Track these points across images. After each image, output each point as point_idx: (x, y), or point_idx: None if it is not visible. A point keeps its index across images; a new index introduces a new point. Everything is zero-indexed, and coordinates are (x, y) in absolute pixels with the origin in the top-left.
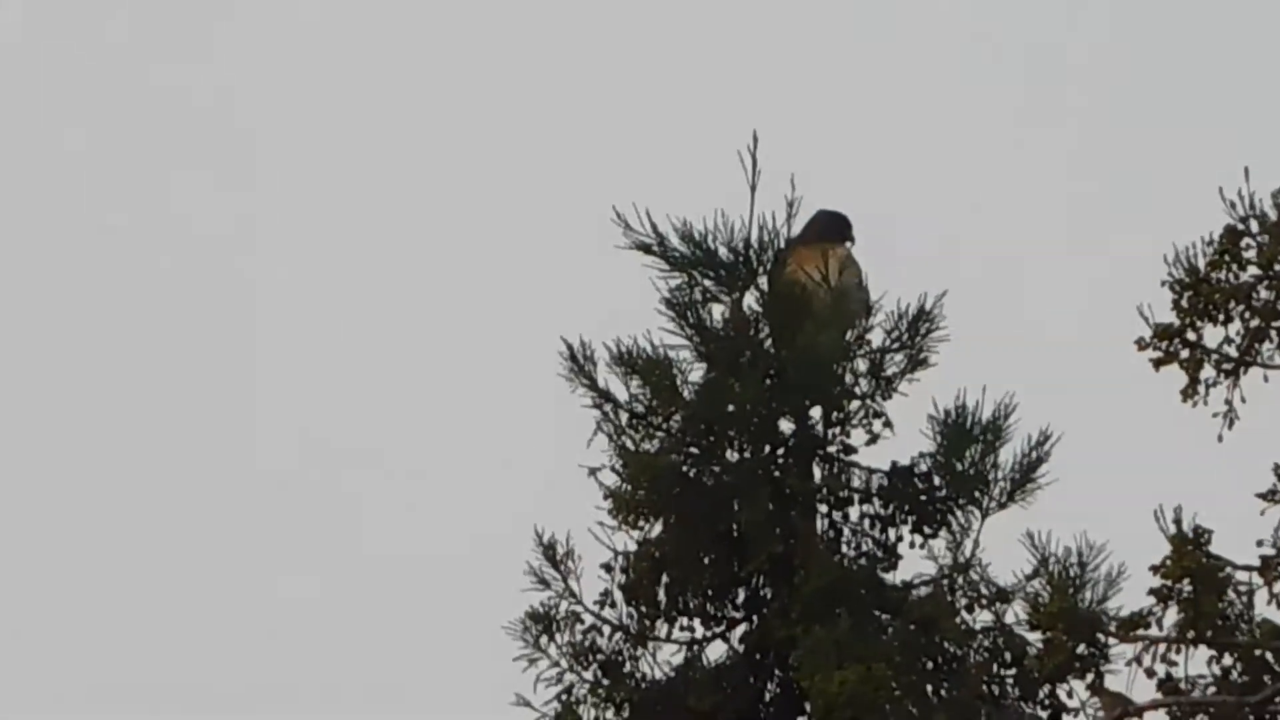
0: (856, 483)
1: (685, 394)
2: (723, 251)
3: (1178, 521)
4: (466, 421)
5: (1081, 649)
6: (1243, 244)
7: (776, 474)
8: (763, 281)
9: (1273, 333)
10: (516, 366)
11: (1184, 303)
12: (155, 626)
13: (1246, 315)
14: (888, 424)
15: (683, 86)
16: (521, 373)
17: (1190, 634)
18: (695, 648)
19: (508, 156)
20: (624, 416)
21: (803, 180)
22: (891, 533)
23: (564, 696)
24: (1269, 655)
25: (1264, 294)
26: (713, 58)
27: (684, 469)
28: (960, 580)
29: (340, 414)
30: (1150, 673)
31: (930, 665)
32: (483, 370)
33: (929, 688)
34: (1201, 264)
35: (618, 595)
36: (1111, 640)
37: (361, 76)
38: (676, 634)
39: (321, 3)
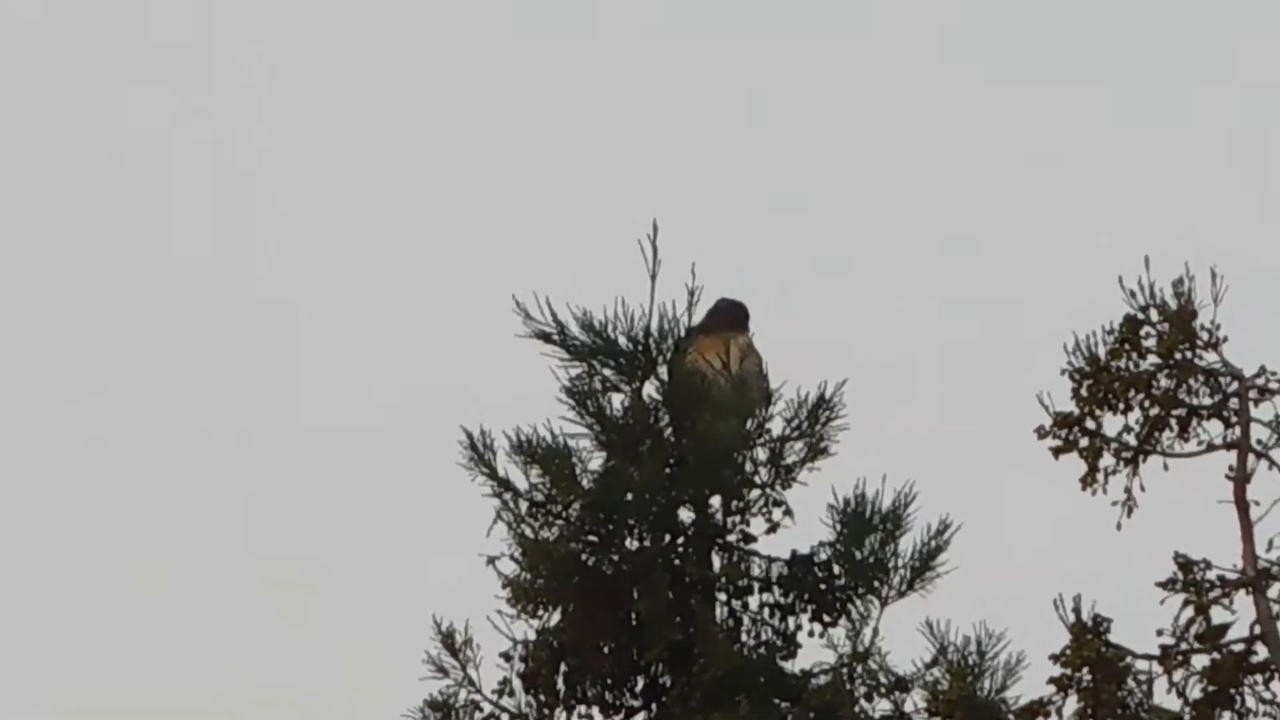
0: (756, 571)
1: (585, 482)
2: (623, 340)
3: (1077, 610)
4: (368, 511)
5: None
6: (1143, 332)
7: (676, 562)
8: (663, 370)
9: (1173, 421)
10: (417, 453)
11: (1084, 391)
12: None
13: (1146, 404)
14: (788, 512)
15: (583, 173)
16: (423, 459)
17: None
18: None
19: (411, 241)
20: (523, 505)
21: (703, 267)
22: (791, 621)
23: None
24: None
25: (1164, 382)
26: (613, 145)
27: (583, 557)
28: (859, 669)
29: None
30: None
31: None
32: (386, 459)
33: None
34: (1101, 352)
35: (517, 684)
36: None
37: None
38: None
39: None
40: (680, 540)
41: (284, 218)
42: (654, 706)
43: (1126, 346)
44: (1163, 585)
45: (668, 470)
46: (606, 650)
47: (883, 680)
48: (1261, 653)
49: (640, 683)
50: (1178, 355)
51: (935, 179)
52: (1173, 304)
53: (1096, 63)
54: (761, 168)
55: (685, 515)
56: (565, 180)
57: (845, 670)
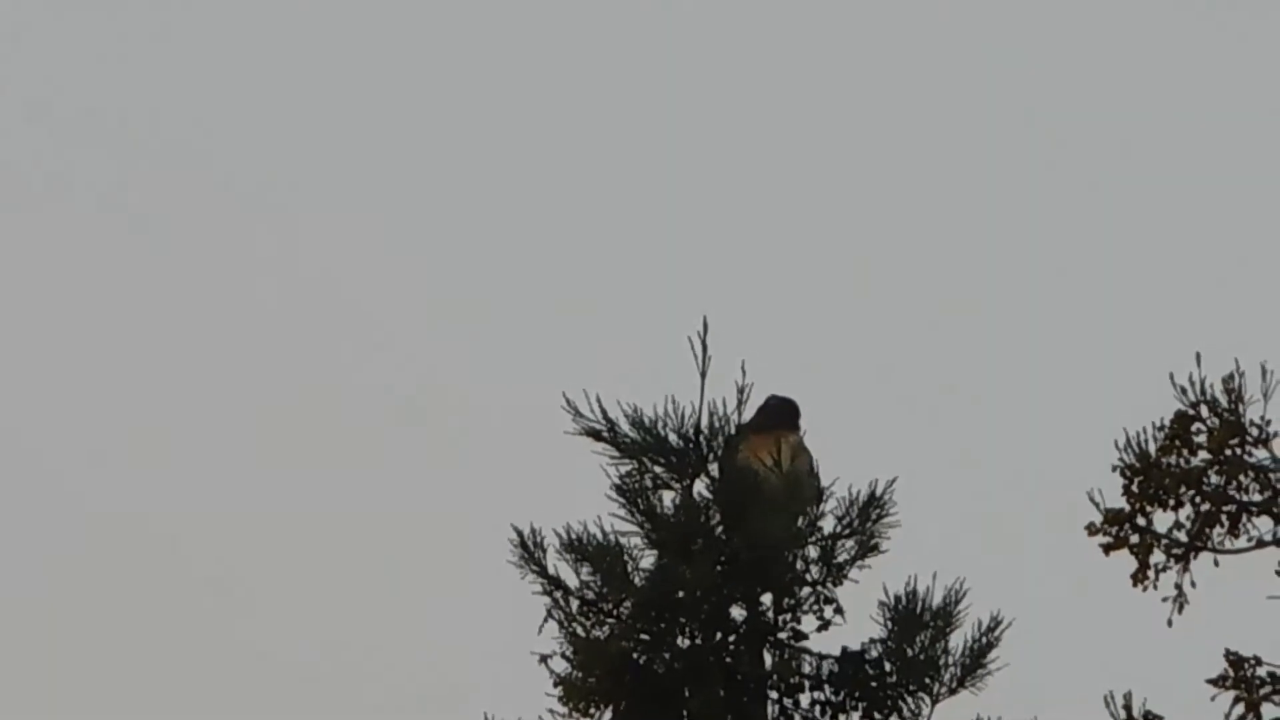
0: (807, 669)
1: (636, 580)
2: (673, 438)
3: (1127, 707)
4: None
5: None
6: (1193, 429)
7: (728, 660)
8: (713, 468)
9: (1223, 517)
10: (468, 554)
11: (1134, 488)
12: None
13: (1197, 500)
14: (839, 610)
15: (633, 272)
16: (474, 561)
17: None
18: None
19: (453, 339)
20: (574, 603)
21: (753, 364)
22: (842, 719)
23: None
24: None
25: (1214, 479)
26: (661, 242)
27: (635, 656)
28: None
29: None
30: None
31: None
32: (437, 560)
33: None
34: (1152, 449)
35: None
36: None
37: None
38: None
39: None
40: (732, 638)
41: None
42: None
43: (1177, 443)
44: (1213, 682)
45: (719, 568)
46: None
47: None
48: None
49: None
50: (1228, 451)
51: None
52: (1223, 400)
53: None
54: (811, 260)
55: (737, 613)
56: (616, 276)
57: None
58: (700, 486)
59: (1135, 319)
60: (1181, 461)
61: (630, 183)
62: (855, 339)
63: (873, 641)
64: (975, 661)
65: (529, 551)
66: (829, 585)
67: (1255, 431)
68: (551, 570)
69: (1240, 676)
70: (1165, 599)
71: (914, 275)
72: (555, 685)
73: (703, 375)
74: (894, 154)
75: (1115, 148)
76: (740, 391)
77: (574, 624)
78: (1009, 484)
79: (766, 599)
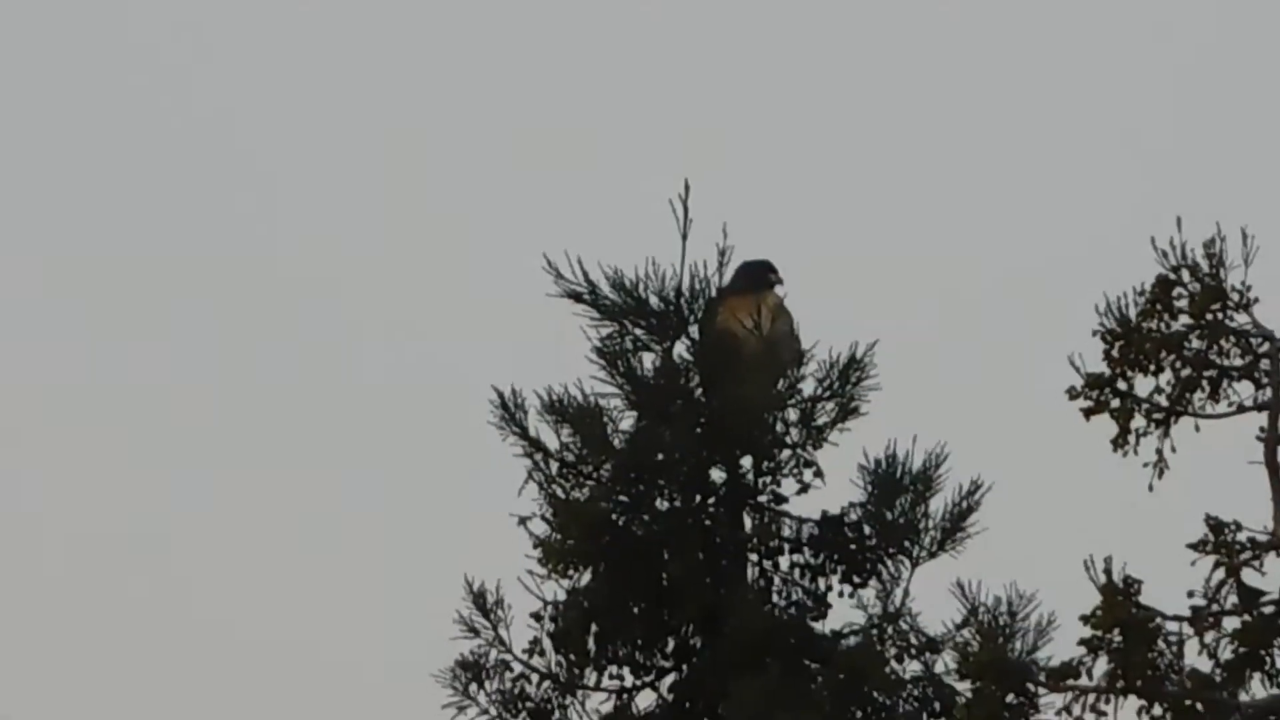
0: (787, 532)
1: (616, 443)
2: (654, 300)
3: (1108, 572)
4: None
5: (1011, 699)
6: (1174, 293)
7: (707, 523)
8: (694, 330)
9: (1204, 382)
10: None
11: (1115, 352)
12: None
13: (1178, 365)
14: (818, 473)
15: (616, 131)
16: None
17: (1120, 684)
18: (624, 697)
19: (444, 200)
20: (554, 465)
21: (734, 226)
22: (821, 582)
23: None
24: (1198, 705)
25: (1195, 344)
26: (647, 104)
27: (614, 518)
28: (890, 630)
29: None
30: None
31: (860, 715)
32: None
33: None
34: (1133, 314)
35: (547, 644)
36: (1041, 690)
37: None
38: (606, 683)
39: None
40: (711, 501)
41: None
42: (684, 667)
43: (1158, 308)
44: (1193, 547)
45: (699, 431)
46: (637, 611)
47: (913, 641)
48: None
49: (671, 644)
50: (1209, 316)
51: (969, 135)
52: (1204, 265)
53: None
54: (794, 120)
55: (716, 476)
56: (597, 138)
57: (876, 631)
58: (680, 349)
59: (1115, 179)
60: (1162, 326)
61: (613, 35)
62: (839, 196)
63: (852, 505)
64: (955, 525)
65: (510, 413)
66: (809, 448)
67: (1236, 296)
68: (532, 432)
69: (1220, 541)
70: (1146, 464)
71: (893, 136)
72: (535, 547)
73: (684, 237)
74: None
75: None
76: (721, 254)
77: (554, 486)
78: (990, 346)
79: (746, 462)
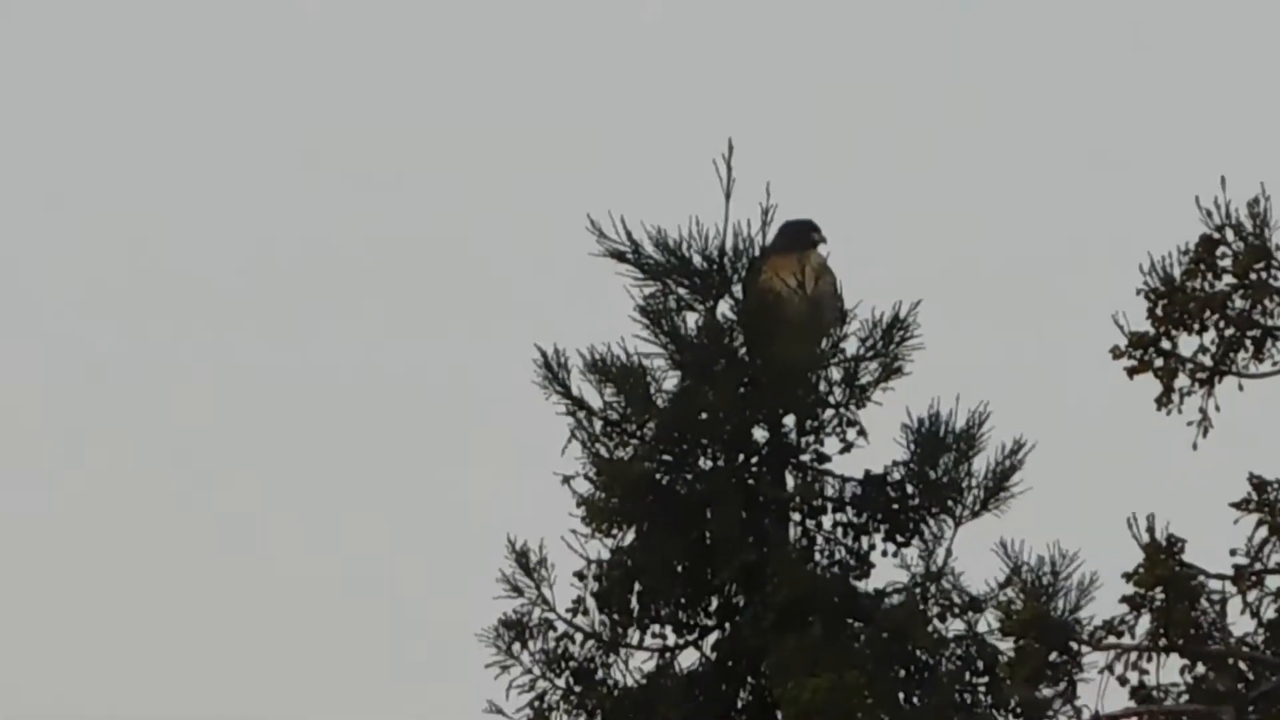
0: (830, 491)
1: (659, 402)
2: (697, 259)
3: (1150, 530)
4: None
5: (1054, 657)
6: (1218, 253)
7: (750, 482)
8: (737, 290)
9: (1247, 341)
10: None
11: (1159, 311)
12: None
13: (1221, 324)
14: (861, 432)
15: (659, 92)
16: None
17: (1162, 642)
18: (667, 655)
19: (487, 162)
20: (598, 425)
21: (778, 188)
22: (864, 541)
23: (536, 703)
24: (1242, 664)
25: (1239, 303)
26: (690, 64)
27: (657, 477)
28: (933, 589)
29: None
30: (1123, 681)
31: (902, 673)
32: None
33: (901, 696)
34: (1177, 273)
35: (590, 603)
36: (1084, 648)
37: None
38: (649, 642)
39: None
40: (754, 460)
41: None
42: (727, 626)
43: (1202, 267)
44: (1237, 505)
45: (742, 390)
46: (680, 570)
47: (956, 600)
48: None
49: (714, 602)
50: (1253, 275)
51: (1011, 91)
52: (1248, 224)
53: None
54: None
55: (759, 435)
56: (641, 98)
57: (918, 590)
58: (724, 308)
59: (1160, 140)
60: (1206, 285)
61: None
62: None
63: (895, 464)
64: (998, 484)
65: (553, 372)
66: (852, 407)
67: None
68: (575, 391)
69: (1263, 500)
70: (1189, 423)
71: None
72: (578, 505)
73: (727, 196)
74: None
75: None
76: (764, 213)
77: (597, 445)
78: (1034, 305)
79: (789, 421)
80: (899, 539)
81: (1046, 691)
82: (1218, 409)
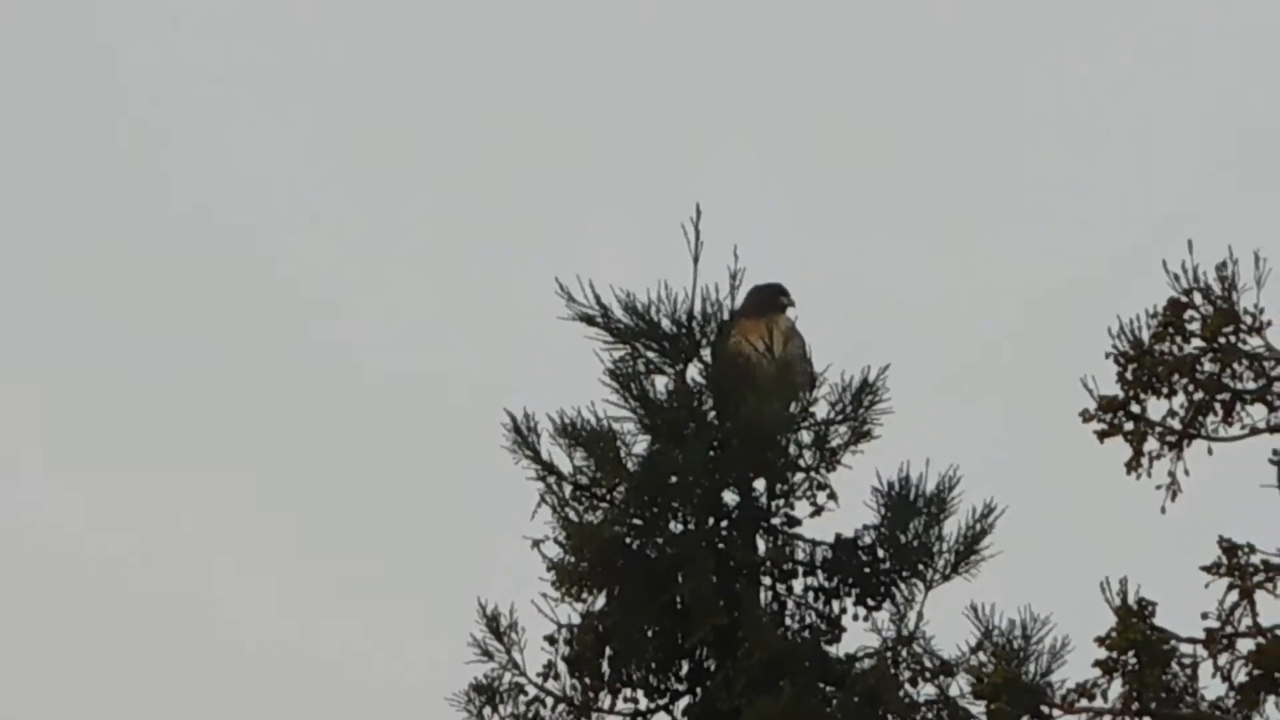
0: (800, 555)
1: (629, 466)
2: (666, 323)
3: (1122, 593)
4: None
5: None
6: (1186, 316)
7: (720, 546)
8: (706, 353)
9: (1217, 405)
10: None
11: (1128, 375)
12: None
13: (1190, 388)
14: (832, 496)
15: (644, 126)
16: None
17: (1134, 706)
18: None
19: (456, 223)
20: (568, 488)
21: (745, 250)
22: (835, 605)
23: None
24: None
25: (1208, 366)
26: (673, 99)
27: (628, 541)
28: (904, 653)
29: None
30: None
31: None
32: (424, 442)
33: None
34: (1145, 336)
35: (561, 667)
36: (1055, 712)
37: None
38: (620, 706)
39: None
40: (724, 524)
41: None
42: (698, 690)
43: (1170, 330)
44: (1207, 569)
45: (712, 453)
46: (651, 634)
47: (927, 664)
48: None
49: (685, 666)
50: (1222, 339)
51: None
52: (1216, 288)
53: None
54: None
55: (729, 498)
56: (607, 164)
57: (890, 654)
58: (693, 371)
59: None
60: (1175, 349)
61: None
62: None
63: (866, 528)
64: (969, 548)
65: (522, 437)
66: (822, 471)
67: (1249, 319)
68: (545, 455)
69: (1234, 564)
70: (1159, 486)
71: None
72: (548, 570)
73: (695, 260)
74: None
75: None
76: (733, 276)
77: (567, 509)
78: (1004, 371)
79: (759, 484)
80: (870, 603)
81: None
82: (1187, 473)
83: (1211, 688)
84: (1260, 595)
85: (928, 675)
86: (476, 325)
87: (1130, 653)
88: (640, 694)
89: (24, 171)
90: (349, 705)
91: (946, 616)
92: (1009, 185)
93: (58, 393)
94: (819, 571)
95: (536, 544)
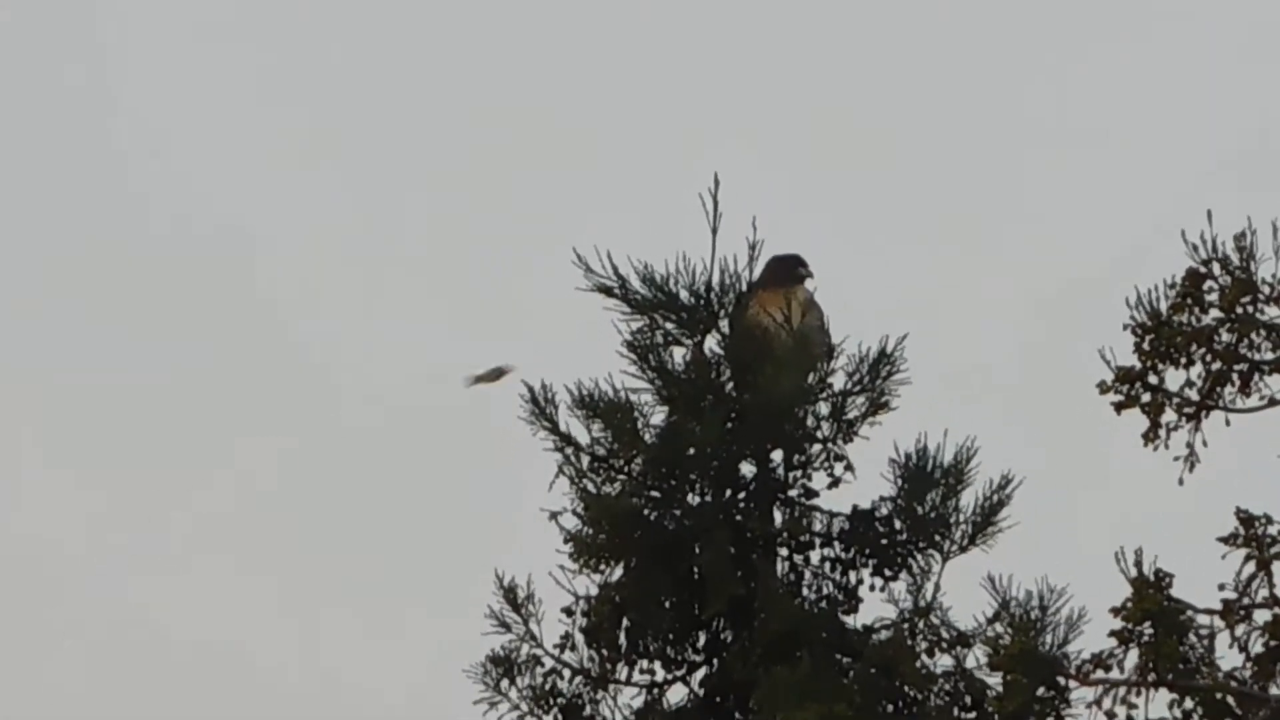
0: (817, 526)
1: (646, 437)
2: (684, 294)
3: (1139, 564)
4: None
5: (1042, 691)
6: (1205, 287)
7: (737, 517)
8: (724, 325)
9: (1234, 376)
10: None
11: (1145, 346)
12: None
13: (1208, 359)
14: (849, 467)
15: (645, 126)
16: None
17: (1151, 677)
18: (656, 691)
19: (465, 192)
20: (585, 460)
21: (764, 223)
22: (852, 576)
23: None
24: (1230, 699)
25: (1225, 337)
26: (674, 99)
27: (645, 512)
28: (921, 624)
29: None
30: (1111, 715)
31: (891, 708)
32: (442, 411)
33: None
34: (1163, 307)
35: (578, 639)
36: (1072, 683)
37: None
38: (637, 677)
39: None
40: (741, 495)
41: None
42: (715, 661)
43: (1189, 301)
44: (1224, 540)
45: (729, 425)
46: (668, 605)
47: (944, 635)
48: None
49: (702, 638)
50: (1240, 310)
51: (996, 128)
52: (1234, 258)
53: None
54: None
55: (747, 470)
56: (607, 164)
57: (907, 625)
58: (711, 343)
59: (1144, 173)
60: (1193, 319)
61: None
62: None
63: (883, 499)
64: (986, 519)
65: (540, 408)
66: (839, 442)
67: (1267, 289)
68: (563, 427)
69: (1251, 535)
70: (1176, 458)
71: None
72: (565, 542)
73: (714, 231)
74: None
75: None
76: (751, 248)
77: (584, 480)
78: (1019, 339)
79: (777, 456)
80: (887, 574)
81: None
82: (1205, 444)
83: (1228, 658)
84: (1277, 566)
85: (944, 646)
86: (476, 325)
87: (1146, 624)
88: (657, 665)
89: (24, 171)
90: (349, 707)
91: (963, 588)
92: (1009, 185)
93: (58, 393)
94: (836, 543)
95: (554, 515)
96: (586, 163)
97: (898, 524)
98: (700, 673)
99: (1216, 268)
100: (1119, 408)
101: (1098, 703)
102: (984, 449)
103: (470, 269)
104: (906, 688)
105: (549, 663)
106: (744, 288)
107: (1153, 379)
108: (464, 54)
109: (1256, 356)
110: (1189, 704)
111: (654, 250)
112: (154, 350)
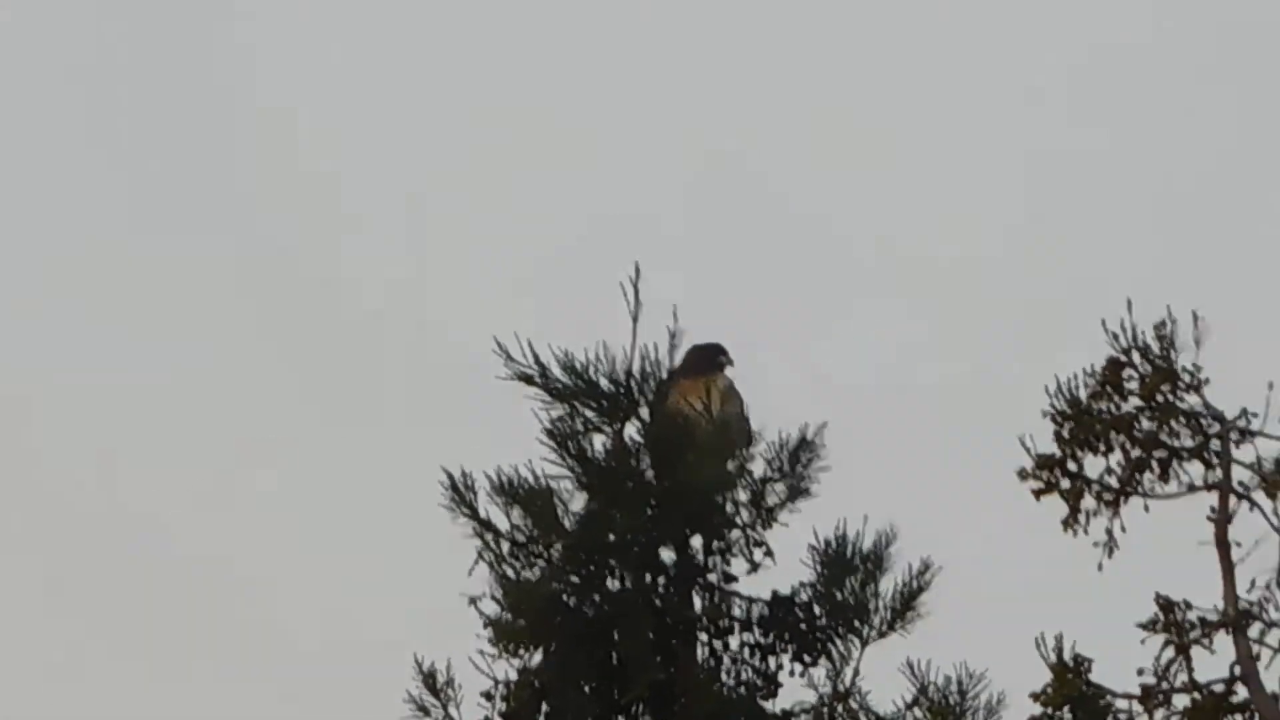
0: (737, 611)
1: (566, 523)
2: (604, 382)
3: (1058, 649)
4: (348, 548)
5: None
6: (1124, 375)
7: (657, 603)
8: (644, 412)
9: (1154, 463)
10: (399, 496)
11: (1065, 433)
12: None
13: (1128, 445)
14: (768, 553)
15: (645, 126)
16: (403, 502)
17: None
18: None
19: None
20: (505, 546)
21: (685, 310)
22: (772, 661)
23: None
24: None
25: (1145, 424)
26: (674, 99)
27: (565, 598)
28: (840, 709)
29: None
30: None
31: None
32: (365, 498)
33: None
34: (1083, 395)
35: None
36: None
37: None
38: None
39: None
40: (662, 581)
41: None
42: None
43: (1108, 389)
44: (1144, 626)
45: (649, 511)
46: (588, 690)
47: None
48: (1241, 693)
49: None
50: (1159, 397)
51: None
52: (1154, 347)
53: None
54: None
55: (667, 556)
56: (607, 164)
57: (826, 710)
58: (631, 430)
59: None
60: (1113, 407)
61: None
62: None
63: (802, 585)
64: (905, 605)
65: (460, 494)
66: (759, 528)
67: (1187, 378)
68: (482, 513)
69: (1170, 620)
70: (1096, 544)
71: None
72: (485, 627)
73: (634, 320)
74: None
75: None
76: (671, 336)
77: (504, 566)
78: (939, 427)
79: (696, 542)
80: (806, 659)
81: None
82: (1124, 530)
83: None
84: (1196, 651)
85: None
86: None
87: (1066, 708)
88: None
89: (24, 171)
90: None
91: (883, 673)
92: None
93: (58, 393)
94: (755, 628)
95: (474, 601)
96: (587, 163)
97: (817, 609)
98: None
99: (1136, 356)
100: (1039, 494)
101: None
102: (904, 532)
103: (469, 269)
104: None
105: None
106: (664, 375)
107: (1072, 466)
108: (464, 54)
109: (1176, 444)
110: None
111: (575, 338)
112: (154, 350)
